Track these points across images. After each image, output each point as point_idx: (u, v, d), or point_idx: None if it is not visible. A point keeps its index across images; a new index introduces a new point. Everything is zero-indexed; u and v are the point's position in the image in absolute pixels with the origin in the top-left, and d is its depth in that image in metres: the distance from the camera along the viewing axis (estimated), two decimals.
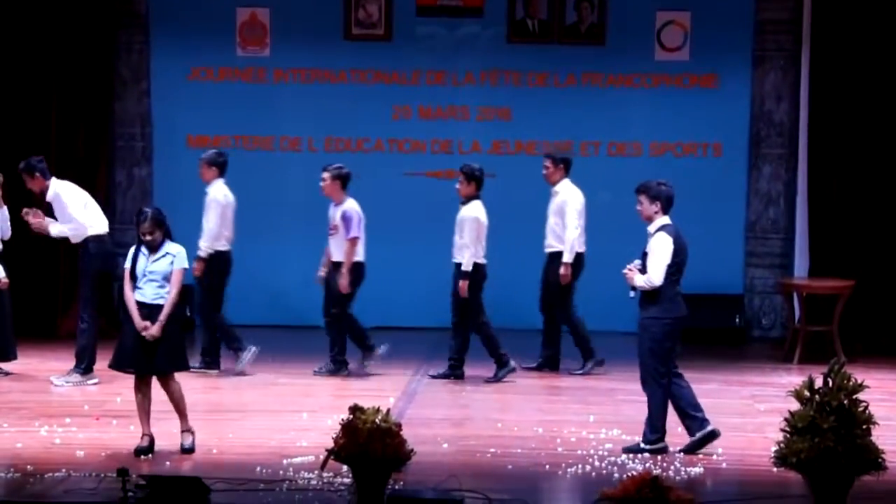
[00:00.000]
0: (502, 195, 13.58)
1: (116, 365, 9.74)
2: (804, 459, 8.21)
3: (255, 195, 14.04)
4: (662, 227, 9.87)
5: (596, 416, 10.95)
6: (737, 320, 14.85)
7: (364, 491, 8.32)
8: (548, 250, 12.75)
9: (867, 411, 8.31)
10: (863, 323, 14.20)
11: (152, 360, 9.51)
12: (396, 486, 8.56)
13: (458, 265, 12.22)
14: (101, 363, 12.18)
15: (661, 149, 15.08)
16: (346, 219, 12.30)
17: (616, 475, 9.05)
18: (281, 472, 9.03)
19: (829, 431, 8.18)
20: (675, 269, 9.85)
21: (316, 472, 8.87)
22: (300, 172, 15.06)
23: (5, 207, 12.40)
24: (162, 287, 9.51)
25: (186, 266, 9.64)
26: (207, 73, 15.24)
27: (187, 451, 9.57)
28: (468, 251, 12.17)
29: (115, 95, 15.09)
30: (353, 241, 12.28)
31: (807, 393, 8.37)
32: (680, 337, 10.03)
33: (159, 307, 9.48)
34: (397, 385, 12.08)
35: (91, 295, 12.00)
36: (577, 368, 12.76)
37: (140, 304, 9.51)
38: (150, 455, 9.47)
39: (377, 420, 8.41)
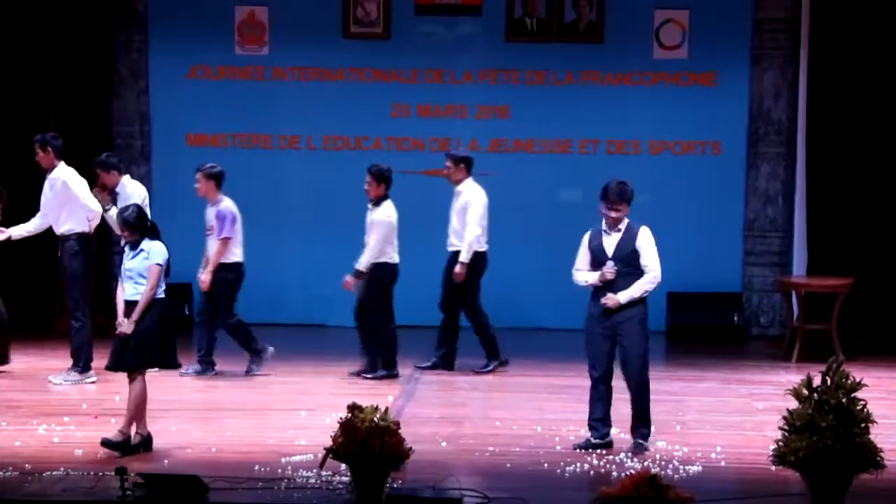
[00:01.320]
0: (501, 193, 13.56)
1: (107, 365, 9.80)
2: (802, 458, 8.20)
3: (253, 193, 14.03)
4: (638, 224, 9.87)
5: None
6: (735, 318, 14.84)
7: (362, 489, 8.31)
8: (450, 249, 12.57)
9: (865, 410, 8.30)
10: (861, 321, 14.19)
11: (122, 356, 9.56)
12: (395, 485, 8.55)
13: (377, 265, 12.12)
14: (100, 361, 12.23)
15: (660, 147, 15.07)
16: (220, 218, 12.20)
17: (615, 474, 9.05)
18: (279, 470, 9.02)
19: (827, 430, 8.17)
20: None
21: (314, 470, 8.86)
22: (299, 170, 15.10)
23: None
24: (139, 284, 9.54)
25: (160, 262, 9.52)
26: (206, 71, 15.23)
27: (106, 443, 9.48)
28: (370, 253, 12.06)
29: (113, 94, 15.09)
30: (225, 241, 12.17)
31: (805, 391, 8.36)
32: None
33: (136, 304, 9.52)
34: (396, 383, 12.08)
35: (81, 294, 11.99)
36: (480, 367, 12.62)
37: (125, 302, 9.57)
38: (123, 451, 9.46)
39: (376, 418, 8.40)
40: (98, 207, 12.04)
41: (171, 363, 9.79)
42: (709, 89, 15.00)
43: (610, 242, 9.78)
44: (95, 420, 10.54)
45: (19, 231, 12.26)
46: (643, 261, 9.76)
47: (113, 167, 12.37)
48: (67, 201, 12.02)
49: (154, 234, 9.66)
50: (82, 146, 14.76)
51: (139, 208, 9.82)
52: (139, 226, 9.60)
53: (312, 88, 15.17)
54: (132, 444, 9.52)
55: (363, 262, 12.14)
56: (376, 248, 12.11)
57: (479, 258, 12.50)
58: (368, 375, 12.19)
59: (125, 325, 9.49)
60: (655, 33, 15.04)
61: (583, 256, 9.87)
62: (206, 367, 12.25)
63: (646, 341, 9.86)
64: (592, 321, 9.81)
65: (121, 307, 9.58)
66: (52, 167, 12.11)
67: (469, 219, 12.43)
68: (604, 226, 9.84)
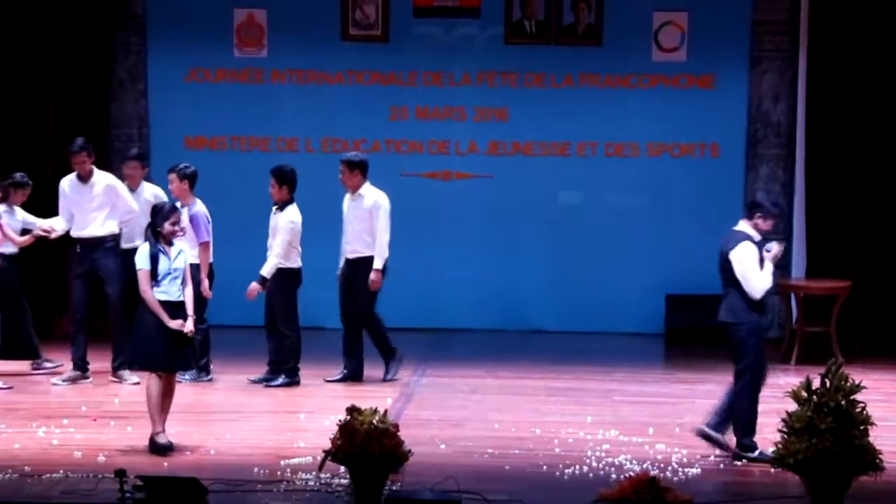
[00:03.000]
0: (499, 196, 13.58)
1: (146, 366, 9.71)
2: (802, 460, 8.21)
3: (251, 196, 14.01)
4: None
5: (593, 417, 10.95)
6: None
7: (362, 492, 8.32)
8: (351, 256, 12.14)
9: (865, 412, 8.31)
10: (860, 323, 14.21)
11: (182, 357, 9.63)
12: (394, 487, 8.57)
13: (281, 270, 11.90)
14: (98, 363, 12.25)
15: (659, 149, 15.07)
16: (195, 223, 11.92)
17: (614, 476, 9.05)
18: (278, 472, 9.03)
19: (826, 432, 8.18)
20: None
21: (313, 472, 8.87)
22: (298, 173, 15.06)
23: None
24: (185, 284, 9.61)
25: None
26: (205, 74, 15.23)
27: (157, 448, 9.56)
28: (275, 259, 11.84)
29: (112, 97, 15.09)
30: (205, 245, 11.94)
31: (804, 393, 8.37)
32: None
33: (183, 304, 9.57)
34: (395, 386, 12.09)
35: (122, 292, 11.96)
36: (387, 375, 12.32)
37: (164, 303, 9.53)
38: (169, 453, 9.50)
39: (374, 421, 8.41)
40: (137, 207, 12.10)
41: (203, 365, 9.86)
42: (708, 92, 15.00)
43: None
44: (94, 422, 10.55)
45: (59, 227, 12.26)
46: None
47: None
48: (113, 203, 12.08)
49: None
50: None
51: (176, 207, 9.80)
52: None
53: (311, 91, 15.18)
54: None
55: (267, 269, 11.88)
56: (282, 254, 11.87)
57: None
58: (273, 383, 12.03)
59: (189, 325, 9.55)
60: (654, 36, 15.04)
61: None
62: (201, 371, 12.16)
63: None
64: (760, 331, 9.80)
65: (161, 308, 9.52)
66: (92, 173, 12.16)
67: (381, 225, 12.09)
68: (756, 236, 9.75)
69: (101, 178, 12.19)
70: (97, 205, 12.10)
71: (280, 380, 12.01)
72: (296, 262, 11.98)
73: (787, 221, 14.88)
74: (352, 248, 12.18)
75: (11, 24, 14.50)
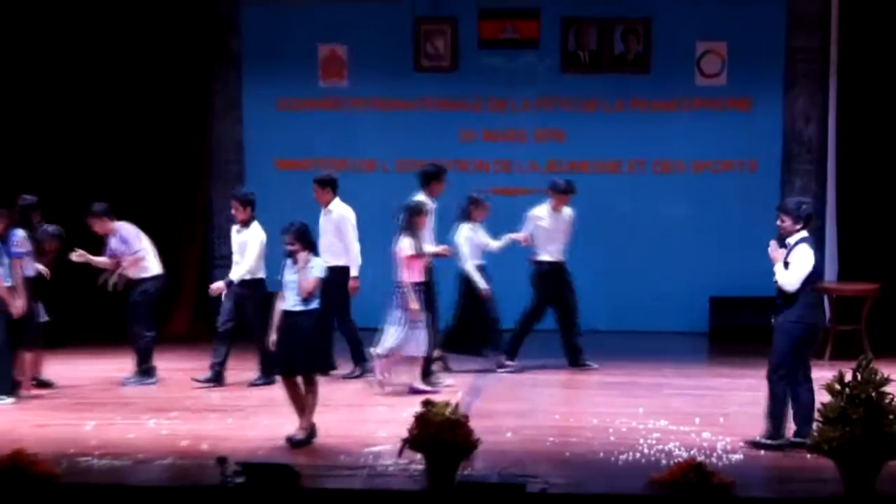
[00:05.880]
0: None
1: (285, 372, 9.65)
2: (836, 446, 8.14)
3: None
4: (803, 240, 9.59)
5: (645, 408, 10.90)
6: (772, 320, 14.68)
7: (436, 476, 8.32)
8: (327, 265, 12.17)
9: (893, 403, 8.23)
10: (889, 322, 14.05)
11: (294, 361, 9.51)
12: (465, 472, 8.55)
13: (242, 281, 11.71)
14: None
15: (701, 166, 15.01)
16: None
17: (664, 462, 9.00)
18: (362, 459, 9.03)
19: (858, 421, 8.11)
20: (815, 277, 9.52)
21: (393, 459, 8.86)
22: (375, 191, 15.12)
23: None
24: (300, 295, 9.45)
25: (321, 276, 9.46)
26: (293, 103, 15.35)
27: (296, 443, 9.44)
28: (244, 268, 11.63)
29: (211, 124, 15.24)
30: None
31: (837, 386, 8.30)
32: (813, 343, 9.70)
33: (297, 313, 9.43)
34: (465, 381, 12.09)
35: None
36: (350, 372, 12.21)
37: (283, 312, 9.49)
38: (307, 445, 9.43)
39: (447, 413, 8.41)
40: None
41: (328, 366, 9.67)
42: (746, 113, 14.93)
43: None
44: (198, 415, 10.62)
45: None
46: (789, 270, 9.58)
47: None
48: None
49: (315, 251, 9.59)
50: (184, 172, 14.96)
51: (305, 224, 9.65)
52: (307, 239, 9.53)
53: (387, 117, 15.24)
54: (308, 437, 9.54)
55: (235, 275, 11.72)
56: (252, 265, 11.65)
57: (346, 272, 12.13)
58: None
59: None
60: (697, 63, 14.99)
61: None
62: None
63: (778, 349, 9.56)
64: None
65: (276, 318, 9.52)
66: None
67: (350, 235, 12.10)
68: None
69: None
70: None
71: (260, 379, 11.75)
72: (261, 274, 11.75)
73: (820, 229, 14.78)
74: (328, 258, 11.91)
75: (124, 63, 14.69)
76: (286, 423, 10.03)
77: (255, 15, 15.24)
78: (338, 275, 11.81)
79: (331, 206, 12.23)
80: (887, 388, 8.24)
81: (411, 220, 11.51)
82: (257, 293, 11.76)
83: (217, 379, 11.85)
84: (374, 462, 8.95)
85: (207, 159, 15.18)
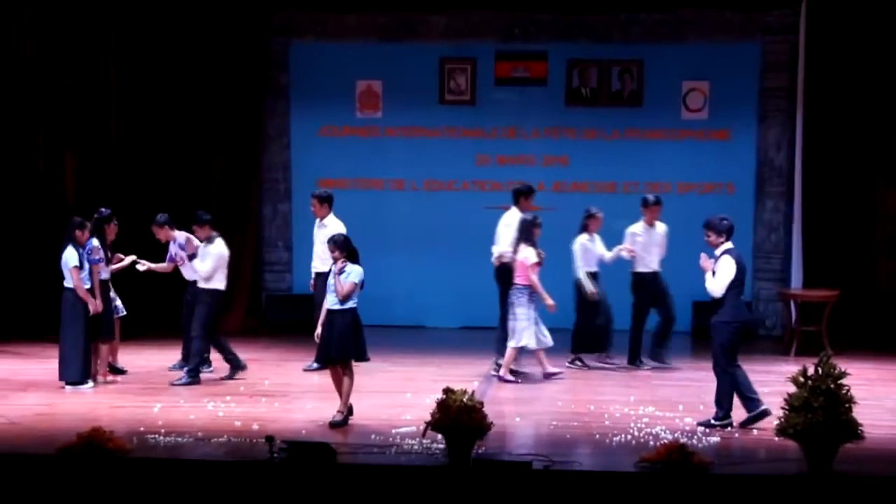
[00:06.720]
0: (562, 224, 13.54)
1: (325, 361, 9.87)
2: (800, 431, 8.16)
3: (368, 224, 14.16)
4: (727, 251, 9.64)
5: (635, 396, 10.91)
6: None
7: (455, 454, 8.35)
8: (318, 270, 11.83)
9: (849, 393, 8.24)
10: (846, 324, 14.02)
11: (329, 352, 9.62)
12: (480, 451, 8.58)
13: (203, 290, 11.29)
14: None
15: (686, 188, 15.01)
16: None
17: (651, 443, 9.02)
18: (390, 439, 9.08)
19: (819, 409, 8.13)
20: (738, 283, 9.55)
21: (417, 439, 8.91)
22: (404, 207, 15.20)
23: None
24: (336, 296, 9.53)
25: (356, 281, 9.50)
26: (333, 130, 15.38)
27: (334, 424, 9.48)
28: (202, 274, 11.30)
29: (263, 148, 15.29)
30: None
31: (801, 379, 8.31)
32: (743, 336, 9.76)
33: (336, 311, 9.52)
34: (480, 372, 12.09)
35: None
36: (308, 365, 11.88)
37: (326, 311, 9.60)
38: (343, 426, 9.45)
39: (465, 399, 8.44)
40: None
41: (361, 356, 9.66)
42: (725, 143, 14.92)
43: None
44: (250, 399, 10.66)
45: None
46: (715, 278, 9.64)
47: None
48: None
49: (354, 259, 9.59)
50: (238, 190, 15.00)
51: (346, 236, 9.79)
52: (346, 248, 9.57)
53: (415, 143, 15.27)
54: (345, 418, 9.57)
55: (204, 281, 11.37)
56: (211, 273, 11.26)
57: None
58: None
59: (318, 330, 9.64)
60: (683, 99, 14.99)
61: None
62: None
63: (718, 346, 9.62)
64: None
65: (323, 314, 9.61)
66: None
67: None
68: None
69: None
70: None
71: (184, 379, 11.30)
72: (222, 285, 11.35)
73: (788, 244, 14.77)
74: (314, 264, 12.07)
75: (186, 95, 14.76)
76: (327, 408, 10.07)
77: (302, 54, 15.29)
78: (326, 279, 11.77)
79: (325, 221, 12.12)
80: (844, 381, 8.26)
81: (529, 231, 11.45)
82: (214, 302, 11.34)
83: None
84: (400, 441, 8.98)
85: (259, 179, 15.22)
